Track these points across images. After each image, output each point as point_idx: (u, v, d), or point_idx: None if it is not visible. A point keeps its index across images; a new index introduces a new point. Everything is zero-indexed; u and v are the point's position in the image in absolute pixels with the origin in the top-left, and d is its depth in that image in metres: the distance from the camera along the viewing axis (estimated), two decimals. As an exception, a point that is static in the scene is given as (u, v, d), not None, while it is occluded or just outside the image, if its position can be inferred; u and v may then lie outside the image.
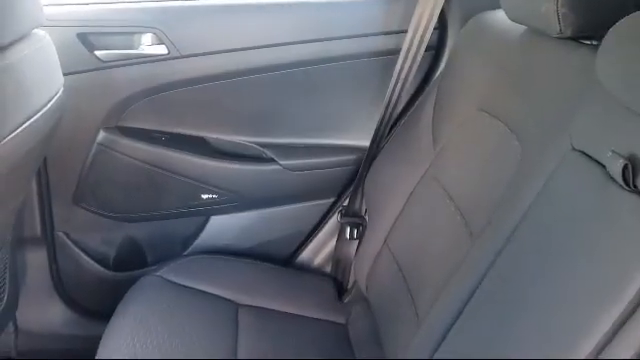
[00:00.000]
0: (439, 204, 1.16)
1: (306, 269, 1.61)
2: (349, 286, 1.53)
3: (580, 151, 0.79)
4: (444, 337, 0.92)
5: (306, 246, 1.60)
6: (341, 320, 1.39)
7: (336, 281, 1.55)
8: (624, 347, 0.62)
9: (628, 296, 0.63)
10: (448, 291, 0.96)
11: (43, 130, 1.07)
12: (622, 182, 0.68)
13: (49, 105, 1.05)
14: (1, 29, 0.85)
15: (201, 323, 1.25)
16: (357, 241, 1.49)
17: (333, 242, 1.57)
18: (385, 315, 1.24)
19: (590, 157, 0.76)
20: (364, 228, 1.47)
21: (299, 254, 1.61)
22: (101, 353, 1.14)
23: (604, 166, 0.72)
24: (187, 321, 1.25)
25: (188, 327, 1.23)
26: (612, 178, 0.70)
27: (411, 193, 1.28)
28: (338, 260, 1.55)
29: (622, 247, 0.66)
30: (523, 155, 0.95)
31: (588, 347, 0.64)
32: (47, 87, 1.06)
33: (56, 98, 1.09)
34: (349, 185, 1.53)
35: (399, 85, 1.39)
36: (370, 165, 1.47)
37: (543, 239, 0.80)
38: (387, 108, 1.42)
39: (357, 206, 1.51)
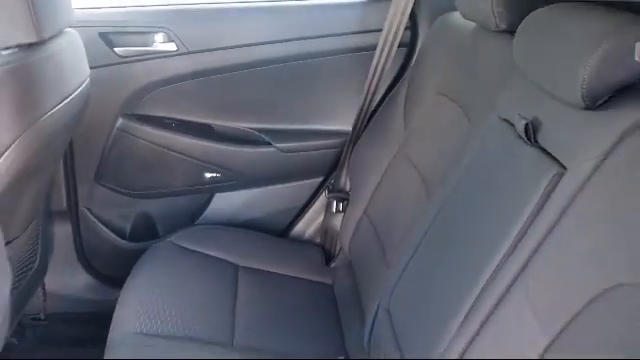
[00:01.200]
0: (407, 174, 1.37)
1: (298, 239, 1.81)
2: (335, 253, 1.72)
3: (503, 119, 1.00)
4: (401, 274, 1.13)
5: (299, 219, 1.80)
6: (328, 281, 1.59)
7: (324, 249, 1.75)
8: (519, 260, 0.82)
9: (520, 224, 0.84)
10: (408, 239, 1.17)
11: (72, 112, 1.28)
12: (525, 138, 0.89)
13: (78, 91, 1.26)
14: (44, 26, 1.06)
15: (206, 280, 1.45)
16: (342, 214, 1.69)
17: (322, 215, 1.77)
18: (363, 270, 1.44)
19: (508, 122, 0.97)
20: (348, 202, 1.67)
21: (292, 226, 1.81)
22: (119, 307, 1.34)
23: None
24: (194, 279, 1.45)
25: (195, 284, 1.43)
26: (520, 136, 0.91)
27: (386, 169, 1.49)
28: (326, 231, 1.75)
29: (519, 189, 0.87)
30: (469, 127, 1.16)
31: (489, 269, 0.85)
32: (77, 76, 1.27)
33: (83, 86, 1.30)
34: (335, 165, 1.73)
35: (376, 77, 1.60)
36: (353, 147, 1.67)
37: (472, 189, 1.01)
38: (366, 98, 1.62)
39: (342, 183, 1.71)
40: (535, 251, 0.81)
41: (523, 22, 0.97)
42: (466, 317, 0.87)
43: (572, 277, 0.74)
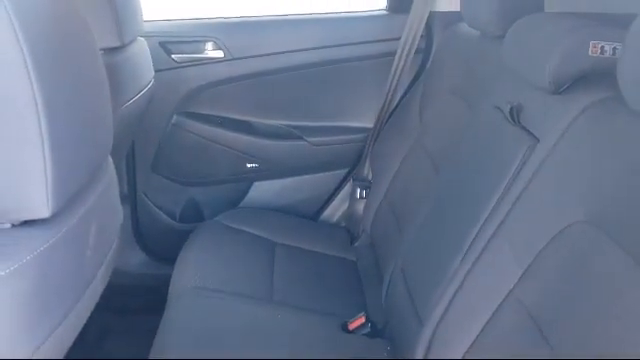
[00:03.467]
0: (421, 162, 1.59)
1: (326, 223, 2.04)
2: (359, 235, 1.94)
3: (495, 106, 1.23)
4: (412, 238, 1.35)
5: (327, 205, 2.03)
6: (352, 258, 1.81)
7: (349, 232, 1.97)
8: (501, 213, 1.05)
9: (502, 186, 1.06)
10: (418, 210, 1.39)
11: (140, 107, 1.55)
12: (510, 119, 1.11)
13: (146, 88, 1.53)
14: (126, 32, 1.33)
15: (247, 253, 1.68)
16: (365, 200, 1.92)
17: (347, 202, 2.00)
18: (382, 244, 1.66)
19: (499, 108, 1.20)
20: (370, 189, 1.89)
21: (321, 211, 2.03)
22: (177, 269, 1.58)
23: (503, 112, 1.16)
24: (237, 251, 1.68)
25: (238, 254, 1.67)
26: (507, 119, 1.14)
27: (403, 159, 1.72)
28: (351, 215, 1.98)
29: (503, 160, 1.10)
30: (471, 116, 1.38)
31: (479, 223, 1.07)
32: (145, 76, 1.54)
33: (150, 85, 1.57)
34: (359, 157, 1.96)
35: (395, 80, 1.83)
36: (374, 141, 1.90)
37: (468, 164, 1.24)
38: (386, 98, 1.85)
39: (365, 172, 1.94)
40: (513, 204, 1.03)
41: (510, 28, 1.20)
42: (461, 260, 1.09)
43: (539, 220, 0.96)
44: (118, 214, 0.87)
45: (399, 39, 1.79)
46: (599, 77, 0.98)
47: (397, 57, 1.80)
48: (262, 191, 2.01)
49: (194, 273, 1.52)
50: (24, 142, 0.57)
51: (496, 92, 1.26)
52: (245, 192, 2.01)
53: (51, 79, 0.57)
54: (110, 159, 0.84)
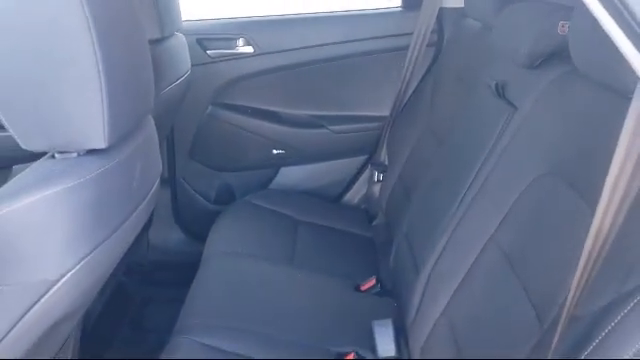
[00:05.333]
0: (430, 143, 1.75)
1: (347, 205, 2.21)
2: (377, 215, 2.10)
3: (487, 85, 1.38)
4: (416, 205, 1.51)
5: (348, 189, 2.20)
6: (370, 235, 1.97)
7: (368, 213, 2.13)
8: (484, 173, 1.20)
9: (487, 150, 1.22)
10: (422, 181, 1.55)
11: (178, 95, 1.75)
12: (495, 92, 1.27)
13: (183, 77, 1.73)
14: (165, 26, 1.54)
15: (272, 228, 1.86)
16: (382, 183, 2.08)
17: (367, 186, 2.16)
18: (393, 219, 1.82)
19: (489, 86, 1.35)
20: (386, 172, 2.05)
21: (343, 195, 2.20)
22: (209, 239, 1.78)
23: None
24: (263, 225, 1.87)
25: (263, 230, 1.84)
26: (494, 94, 1.29)
27: (415, 142, 1.88)
28: (369, 197, 2.14)
29: (488, 128, 1.25)
30: (469, 95, 1.53)
31: (467, 183, 1.23)
32: (182, 66, 1.74)
33: (186, 75, 1.77)
34: (377, 144, 2.12)
35: (409, 72, 1.99)
36: (390, 128, 2.06)
37: (461, 135, 1.40)
38: (400, 88, 2.01)
39: (382, 157, 2.10)
40: (495, 164, 1.19)
41: (498, 16, 1.35)
42: (452, 216, 1.25)
43: (514, 176, 1.11)
44: (158, 163, 1.06)
45: (412, 34, 1.95)
46: (568, 52, 1.13)
47: (410, 50, 1.96)
48: (288, 176, 2.19)
49: (224, 241, 1.72)
50: (87, 90, 0.76)
51: (488, 72, 1.41)
52: (273, 177, 2.20)
53: (108, 42, 0.76)
54: (151, 118, 1.04)
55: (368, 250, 1.87)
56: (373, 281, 1.62)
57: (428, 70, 2.04)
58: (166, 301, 2.06)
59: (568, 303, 0.68)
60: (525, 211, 1.05)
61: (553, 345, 0.70)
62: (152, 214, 2.06)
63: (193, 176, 2.20)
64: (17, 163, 2.09)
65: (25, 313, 0.73)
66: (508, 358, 0.90)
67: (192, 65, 1.88)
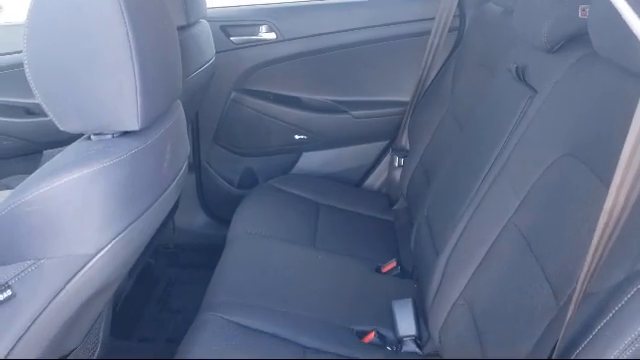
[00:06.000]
0: (451, 128, 1.76)
1: (368, 190, 2.23)
2: (397, 199, 2.13)
3: (507, 69, 1.39)
4: (436, 188, 1.54)
5: (369, 174, 2.22)
6: (390, 218, 2.00)
7: (389, 197, 2.16)
8: (505, 155, 1.22)
9: (507, 132, 1.23)
10: (443, 164, 1.57)
11: (203, 78, 1.79)
12: (515, 75, 1.28)
13: (208, 64, 1.77)
14: (191, 13, 1.57)
15: (294, 211, 1.89)
16: (402, 167, 2.10)
17: (387, 171, 2.19)
18: (414, 203, 1.84)
19: (509, 70, 1.37)
20: (407, 157, 2.07)
21: (364, 179, 2.23)
22: (234, 220, 1.82)
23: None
24: (285, 209, 1.90)
25: (286, 213, 1.88)
26: (514, 77, 1.31)
27: (436, 127, 1.89)
28: (390, 182, 2.17)
29: (510, 111, 1.27)
30: (490, 80, 1.55)
31: (488, 165, 1.24)
32: (207, 53, 1.78)
33: (211, 61, 1.81)
34: (398, 129, 2.14)
35: (430, 57, 2.00)
36: (412, 113, 2.08)
37: (484, 117, 1.41)
38: (422, 74, 2.02)
39: (403, 142, 2.12)
40: (515, 147, 1.20)
41: (519, 2, 1.36)
42: (472, 198, 1.27)
43: (534, 158, 1.13)
44: (186, 145, 1.11)
45: (434, 19, 1.96)
46: (588, 36, 1.14)
47: (432, 35, 1.97)
48: (310, 161, 2.23)
49: (248, 223, 1.76)
50: (121, 75, 0.80)
51: (509, 57, 1.42)
52: (295, 162, 2.23)
53: (140, 30, 0.80)
54: (180, 103, 1.08)
55: (389, 233, 1.90)
56: (394, 263, 1.65)
57: (450, 55, 2.04)
58: (191, 282, 2.13)
59: (581, 279, 0.70)
60: (544, 193, 1.07)
61: (566, 321, 0.73)
62: (178, 198, 2.13)
63: (217, 161, 2.24)
64: (48, 148, 2.17)
65: (65, 285, 0.78)
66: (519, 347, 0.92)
67: (216, 52, 1.92)
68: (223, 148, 2.22)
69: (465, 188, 1.32)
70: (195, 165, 2.22)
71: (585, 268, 0.69)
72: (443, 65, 2.05)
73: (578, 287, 0.70)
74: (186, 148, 1.10)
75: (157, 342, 1.80)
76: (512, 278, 1.04)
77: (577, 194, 0.98)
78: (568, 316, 0.72)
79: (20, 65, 2.05)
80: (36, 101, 2.18)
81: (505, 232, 1.14)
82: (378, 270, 1.64)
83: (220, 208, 2.26)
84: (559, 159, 1.05)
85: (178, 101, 1.07)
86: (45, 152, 2.08)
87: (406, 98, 2.09)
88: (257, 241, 1.65)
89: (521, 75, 1.28)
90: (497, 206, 1.19)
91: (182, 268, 2.23)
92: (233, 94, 2.13)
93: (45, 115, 2.16)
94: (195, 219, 2.27)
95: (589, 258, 0.68)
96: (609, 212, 0.65)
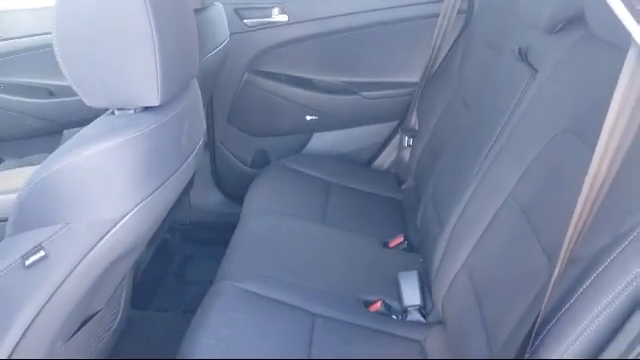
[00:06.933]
0: (459, 109, 1.80)
1: (378, 169, 2.29)
2: (406, 179, 2.18)
3: (511, 50, 1.44)
4: (442, 164, 1.59)
5: (379, 154, 2.28)
6: (399, 197, 2.06)
7: (398, 177, 2.22)
8: (507, 132, 1.27)
9: (509, 110, 1.28)
10: (450, 143, 1.63)
11: (218, 60, 1.84)
12: (518, 56, 1.33)
13: (222, 45, 1.82)
14: (205, -2, 1.64)
15: (305, 191, 1.95)
16: (411, 147, 2.15)
17: (397, 151, 2.24)
18: (422, 181, 1.90)
19: (513, 50, 1.41)
20: (416, 137, 2.12)
21: (374, 159, 2.29)
22: (247, 197, 1.89)
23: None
24: (296, 187, 1.97)
25: (297, 191, 1.94)
26: (517, 58, 1.35)
27: (445, 108, 1.94)
28: (399, 162, 2.22)
29: (511, 90, 1.31)
30: (497, 61, 1.59)
31: (490, 142, 1.30)
32: (221, 35, 1.84)
33: (225, 42, 1.86)
34: (407, 109, 2.19)
35: (439, 38, 2.04)
36: (421, 94, 2.13)
37: (488, 97, 1.46)
38: (431, 55, 2.06)
39: (412, 123, 2.17)
40: (516, 124, 1.25)
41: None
42: (475, 174, 1.33)
43: (535, 134, 1.17)
44: (202, 122, 1.17)
45: (443, 1, 1.99)
46: (588, 17, 1.18)
47: (441, 17, 2.00)
48: (321, 141, 2.28)
49: (261, 200, 1.83)
50: (143, 55, 0.86)
51: (514, 38, 1.47)
52: (306, 142, 2.29)
53: (160, 12, 0.86)
54: (196, 82, 1.14)
55: (397, 211, 1.96)
56: (401, 238, 1.71)
57: (458, 37, 2.08)
58: (206, 257, 2.20)
59: (566, 244, 0.75)
60: (542, 167, 1.12)
61: (552, 283, 0.78)
62: (193, 176, 2.20)
63: (231, 141, 2.31)
64: (67, 128, 2.25)
65: (93, 247, 0.85)
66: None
67: (230, 34, 1.97)
68: (236, 129, 2.28)
69: (469, 164, 1.38)
70: (210, 145, 2.29)
71: (569, 232, 0.74)
72: (452, 47, 2.08)
73: (563, 250, 0.75)
74: (202, 124, 1.17)
75: (174, 312, 1.88)
76: (510, 248, 1.10)
77: (572, 168, 1.03)
78: (553, 278, 0.77)
79: (42, 47, 2.12)
80: (57, 82, 2.25)
81: (505, 205, 1.20)
82: (386, 245, 1.70)
83: (234, 187, 2.33)
84: (557, 135, 1.10)
85: (195, 80, 1.13)
86: (65, 132, 2.15)
87: (415, 79, 2.14)
88: (269, 217, 1.71)
89: (524, 56, 1.32)
90: (498, 181, 1.25)
91: (197, 244, 2.31)
92: (246, 75, 2.18)
93: (66, 96, 2.23)
94: (210, 197, 2.35)
95: (573, 223, 0.74)
96: (593, 178, 0.70)
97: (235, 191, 2.31)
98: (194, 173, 1.94)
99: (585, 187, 0.71)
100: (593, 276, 0.76)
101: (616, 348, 0.72)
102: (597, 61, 1.08)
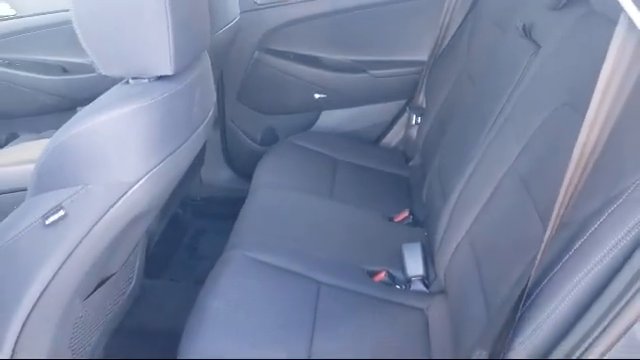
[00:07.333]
0: (466, 84, 1.83)
1: (386, 147, 2.32)
2: (413, 157, 2.21)
3: (516, 27, 1.46)
4: (447, 140, 1.62)
5: (387, 132, 2.31)
6: (406, 174, 2.09)
7: (405, 154, 2.25)
8: (509, 108, 1.30)
9: (512, 85, 1.31)
10: (455, 118, 1.66)
11: (227, 39, 1.88)
12: (522, 32, 1.35)
13: (233, 22, 1.86)
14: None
15: (313, 167, 1.99)
16: (419, 125, 2.18)
17: (404, 129, 2.27)
18: (428, 157, 1.93)
19: (517, 27, 1.43)
20: (423, 115, 2.15)
21: (382, 138, 2.32)
22: (256, 173, 1.93)
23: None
24: (304, 164, 2.00)
25: (304, 167, 1.98)
26: (521, 35, 1.38)
27: (452, 85, 1.96)
28: (407, 140, 2.25)
29: (514, 66, 1.34)
30: (502, 38, 1.61)
31: (493, 117, 1.33)
32: (232, 12, 1.87)
33: (235, 20, 1.90)
34: (415, 88, 2.21)
35: (448, 17, 2.06)
36: (429, 72, 2.15)
37: (493, 73, 1.48)
38: (439, 33, 2.08)
39: (420, 101, 2.20)
40: (518, 99, 1.28)
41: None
42: (477, 148, 1.36)
43: (536, 108, 1.20)
44: (212, 93, 1.21)
45: (450, -20, 2.01)
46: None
47: (448, -3, 2.03)
48: (329, 119, 2.31)
49: (269, 175, 1.88)
50: (157, 26, 0.90)
51: (519, 15, 1.49)
52: (314, 120, 2.32)
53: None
54: (207, 54, 1.18)
55: (403, 188, 2.00)
56: (406, 213, 1.75)
57: (466, 15, 2.10)
58: (217, 232, 2.25)
59: (556, 208, 0.79)
60: (542, 139, 1.15)
61: (542, 246, 0.82)
62: (204, 153, 2.25)
63: (241, 119, 2.34)
64: (80, 105, 2.30)
65: (110, 208, 0.90)
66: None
67: (240, 12, 1.99)
68: (246, 106, 2.32)
69: (473, 138, 1.41)
70: (220, 123, 2.33)
71: (560, 197, 0.78)
72: (460, 25, 2.10)
73: (554, 214, 0.79)
74: (212, 96, 1.21)
75: (186, 282, 1.94)
76: (509, 216, 1.14)
77: (569, 139, 1.05)
78: (544, 241, 0.81)
79: (56, 25, 2.15)
80: (71, 59, 2.29)
81: (506, 177, 1.23)
82: (391, 219, 1.74)
83: (243, 164, 2.37)
84: (557, 109, 1.13)
85: (206, 53, 1.17)
86: (78, 109, 2.20)
87: (423, 57, 2.16)
88: (277, 191, 1.76)
89: (527, 32, 1.35)
90: (500, 154, 1.28)
91: (208, 219, 2.36)
92: (256, 54, 2.21)
93: (79, 73, 2.26)
94: (220, 174, 2.40)
95: (564, 187, 0.77)
96: (583, 144, 0.74)
97: (245, 168, 2.35)
98: (205, 148, 1.99)
99: (575, 153, 0.75)
100: (583, 238, 0.80)
101: (598, 309, 0.75)
102: (598, 37, 1.10)
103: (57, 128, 0.93)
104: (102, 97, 0.93)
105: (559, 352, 0.78)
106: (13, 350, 0.92)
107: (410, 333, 1.28)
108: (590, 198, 0.82)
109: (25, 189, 0.96)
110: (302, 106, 2.31)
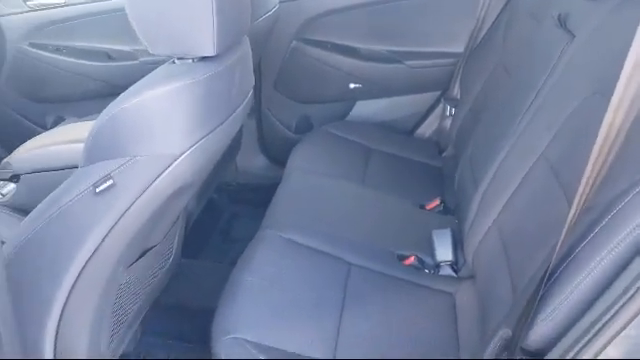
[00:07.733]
0: (501, 76, 1.84)
1: (420, 138, 2.34)
2: (447, 148, 2.23)
3: (552, 16, 1.47)
4: (481, 130, 1.64)
5: (421, 123, 2.32)
6: (439, 165, 2.11)
7: (439, 145, 2.26)
8: (541, 97, 1.32)
9: (545, 75, 1.32)
10: (489, 108, 1.67)
11: (267, 25, 1.92)
12: (557, 22, 1.37)
13: (272, 11, 1.91)
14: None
15: (346, 155, 2.03)
16: (453, 116, 2.20)
17: (439, 120, 2.29)
18: (461, 147, 1.94)
19: (553, 17, 1.44)
20: (457, 106, 2.17)
21: (416, 128, 2.33)
22: (290, 160, 1.98)
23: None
24: (338, 151, 2.04)
25: (338, 154, 2.02)
26: (556, 23, 1.39)
27: (487, 77, 1.97)
28: (441, 131, 2.27)
29: (547, 58, 1.35)
30: (538, 27, 1.62)
31: (525, 106, 1.34)
32: (271, 1, 1.92)
33: (275, 8, 1.95)
34: (450, 79, 2.23)
35: (484, 9, 2.07)
36: (464, 64, 2.16)
37: (529, 62, 1.50)
38: (476, 25, 2.10)
39: (455, 93, 2.21)
40: (551, 88, 1.30)
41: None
42: (510, 136, 1.38)
43: (567, 97, 1.22)
44: (251, 76, 1.27)
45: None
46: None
47: (487, -12, 2.04)
48: (364, 109, 2.34)
49: (303, 161, 1.93)
50: (202, 9, 0.96)
51: (555, 5, 1.50)
52: (349, 110, 2.36)
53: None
54: (247, 39, 1.23)
55: (436, 177, 2.02)
56: (437, 201, 1.78)
57: (503, 8, 2.10)
58: (250, 217, 2.30)
59: (580, 193, 0.81)
60: (573, 128, 1.17)
61: (565, 228, 0.84)
62: (241, 137, 2.31)
63: (276, 107, 2.40)
64: (122, 91, 2.38)
65: (155, 179, 0.96)
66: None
67: (279, 1, 2.04)
68: (282, 95, 2.37)
69: (505, 128, 1.43)
70: (256, 111, 2.39)
71: (584, 179, 0.80)
72: (497, 17, 2.11)
73: (577, 198, 0.81)
74: (251, 79, 1.26)
75: (221, 263, 2.01)
76: (538, 202, 1.16)
77: (598, 127, 1.08)
78: (567, 224, 0.83)
79: (101, 13, 2.23)
80: (116, 47, 2.37)
81: (536, 165, 1.25)
82: (422, 207, 1.77)
83: (278, 151, 2.41)
84: (588, 97, 1.14)
85: (246, 37, 1.22)
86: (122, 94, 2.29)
87: (460, 49, 2.17)
88: (310, 176, 1.81)
89: (563, 22, 1.36)
90: (531, 142, 1.30)
91: (242, 204, 2.43)
92: (294, 43, 2.26)
93: (123, 60, 2.34)
94: (255, 161, 2.46)
95: (588, 171, 0.79)
96: (608, 126, 0.76)
97: (279, 155, 2.38)
98: (242, 133, 2.05)
99: (600, 136, 0.77)
100: (607, 217, 0.82)
101: (619, 286, 0.78)
102: (631, 26, 1.11)
103: (100, 112, 1.00)
104: (150, 75, 0.99)
105: (580, 326, 0.80)
106: (62, 309, 0.99)
107: (437, 314, 1.31)
108: (615, 182, 0.84)
109: (74, 166, 1.03)
110: (337, 95, 2.35)
